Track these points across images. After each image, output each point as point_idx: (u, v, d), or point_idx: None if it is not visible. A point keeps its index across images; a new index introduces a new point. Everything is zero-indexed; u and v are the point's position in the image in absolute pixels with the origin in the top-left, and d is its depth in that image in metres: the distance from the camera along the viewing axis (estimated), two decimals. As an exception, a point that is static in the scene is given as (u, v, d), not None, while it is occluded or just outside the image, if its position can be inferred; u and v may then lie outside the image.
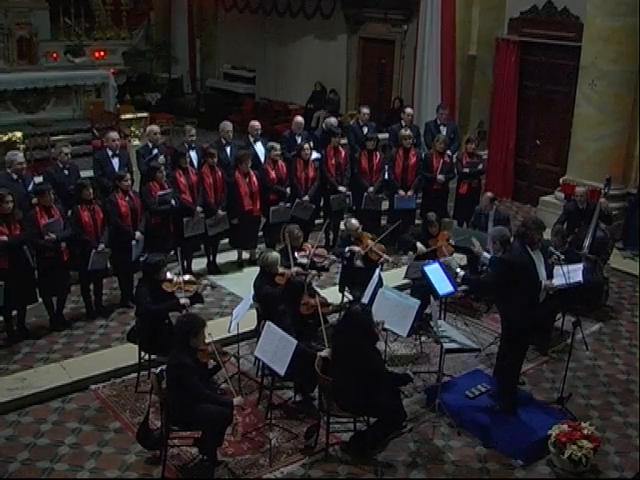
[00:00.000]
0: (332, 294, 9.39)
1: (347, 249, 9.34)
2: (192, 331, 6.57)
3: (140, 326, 7.93)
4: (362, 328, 6.89)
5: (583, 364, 8.94)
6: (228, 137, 11.39)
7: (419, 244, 9.66)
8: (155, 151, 10.95)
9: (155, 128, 11.43)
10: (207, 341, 6.83)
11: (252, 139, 11.71)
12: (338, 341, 7.01)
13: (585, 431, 6.93)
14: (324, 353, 7.16)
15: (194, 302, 8.41)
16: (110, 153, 10.59)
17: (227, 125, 11.48)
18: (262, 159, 11.42)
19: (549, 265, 8.75)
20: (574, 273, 8.47)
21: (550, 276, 8.60)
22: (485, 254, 8.52)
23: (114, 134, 10.87)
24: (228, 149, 11.35)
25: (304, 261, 8.83)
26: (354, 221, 9.56)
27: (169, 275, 8.14)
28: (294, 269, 8.48)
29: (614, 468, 7.05)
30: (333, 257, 9.40)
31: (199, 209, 10.28)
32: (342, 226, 11.76)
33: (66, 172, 10.06)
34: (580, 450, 6.77)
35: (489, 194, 10.77)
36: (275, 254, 8.37)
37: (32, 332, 9.08)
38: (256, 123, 11.87)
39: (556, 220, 10.59)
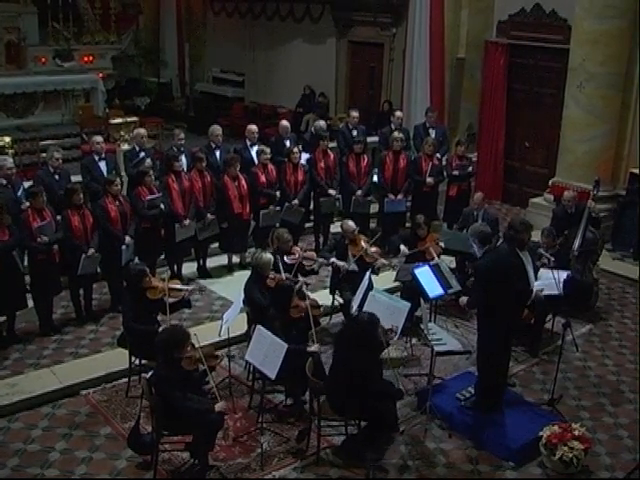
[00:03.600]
0: (323, 297, 9.37)
1: (331, 260, 9.35)
2: (175, 345, 6.51)
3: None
4: (367, 338, 6.86)
5: (573, 365, 8.96)
6: (217, 141, 11.37)
7: (402, 246, 9.68)
8: (142, 154, 10.93)
9: (142, 131, 11.40)
10: (196, 345, 6.82)
11: (249, 143, 11.68)
12: (340, 346, 7.02)
13: (576, 432, 6.94)
14: (314, 348, 7.29)
15: (180, 308, 8.39)
16: (96, 157, 10.56)
17: (216, 129, 11.47)
18: (257, 163, 11.37)
19: (537, 267, 8.80)
20: (556, 281, 8.49)
21: (536, 277, 8.65)
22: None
23: (98, 137, 10.85)
24: (217, 153, 11.33)
25: (292, 263, 8.79)
26: (351, 223, 9.55)
27: (154, 282, 8.10)
28: (284, 275, 8.46)
29: (605, 469, 7.07)
30: (322, 260, 9.38)
31: (187, 222, 10.26)
32: (332, 229, 11.84)
33: (57, 177, 10.03)
34: (571, 451, 6.79)
35: (481, 193, 10.81)
36: (269, 255, 8.31)
37: (22, 338, 9.05)
38: (253, 127, 11.83)
39: (549, 224, 10.59)
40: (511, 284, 7.28)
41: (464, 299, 7.89)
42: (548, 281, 8.55)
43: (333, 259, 9.32)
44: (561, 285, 8.48)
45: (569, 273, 8.87)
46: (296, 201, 11.18)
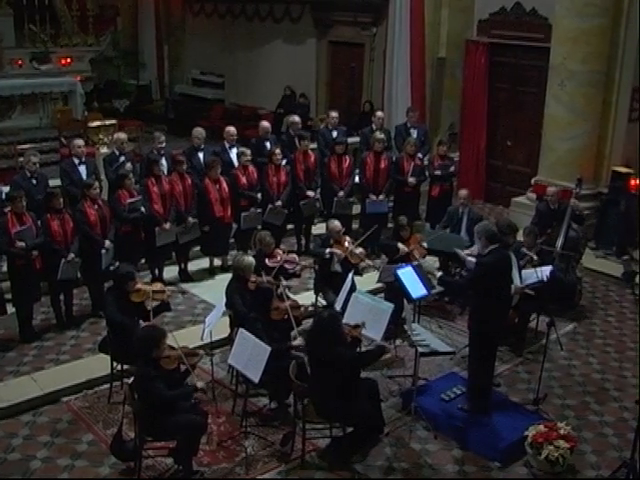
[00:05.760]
0: (306, 299, 9.32)
1: (328, 251, 9.29)
2: (152, 344, 6.49)
3: (112, 336, 7.82)
4: (329, 334, 6.81)
5: (558, 364, 8.95)
6: (199, 143, 11.30)
7: (400, 245, 9.60)
8: (122, 159, 10.82)
9: (122, 136, 11.28)
10: (174, 346, 6.78)
11: (228, 145, 11.61)
12: (311, 348, 6.97)
13: (561, 431, 6.94)
14: (297, 342, 7.35)
15: (161, 311, 8.32)
16: (76, 161, 10.46)
17: (199, 131, 11.43)
18: (236, 165, 11.30)
19: (521, 266, 8.80)
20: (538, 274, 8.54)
21: (521, 278, 8.65)
22: (470, 259, 8.42)
23: (79, 141, 10.75)
24: (201, 155, 11.27)
25: (273, 266, 8.71)
26: (337, 222, 9.52)
27: (138, 285, 8.04)
28: (266, 278, 8.39)
29: (591, 467, 7.07)
30: (304, 263, 9.33)
31: (167, 225, 10.18)
32: (314, 230, 11.80)
33: (34, 181, 9.91)
34: (557, 450, 6.78)
35: (466, 190, 10.71)
36: (250, 258, 8.27)
37: (1, 345, 8.94)
38: (232, 129, 11.76)
39: (530, 222, 10.59)
40: (507, 284, 7.30)
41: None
42: (531, 276, 8.57)
43: (329, 249, 9.28)
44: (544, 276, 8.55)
45: (552, 268, 8.87)
46: (279, 202, 11.12)
